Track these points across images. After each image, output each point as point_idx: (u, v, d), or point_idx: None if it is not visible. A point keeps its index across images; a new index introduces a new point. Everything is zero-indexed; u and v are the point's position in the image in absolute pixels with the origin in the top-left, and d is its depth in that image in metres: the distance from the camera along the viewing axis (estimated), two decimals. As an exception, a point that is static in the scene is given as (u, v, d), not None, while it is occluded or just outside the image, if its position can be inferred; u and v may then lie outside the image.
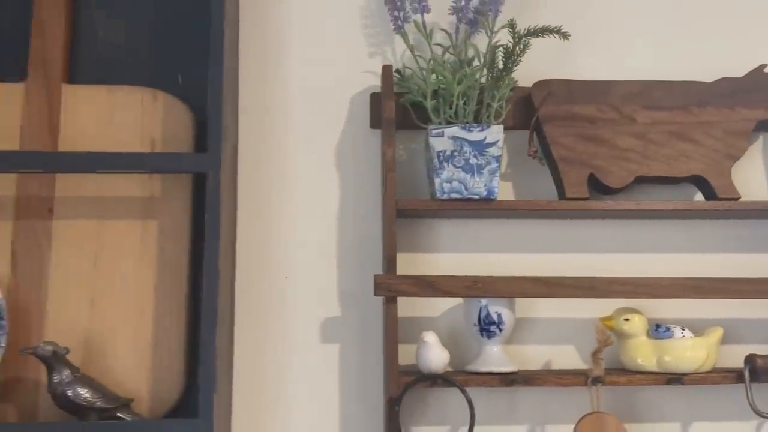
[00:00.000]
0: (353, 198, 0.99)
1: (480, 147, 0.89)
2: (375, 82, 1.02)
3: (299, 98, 1.01)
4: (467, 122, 0.91)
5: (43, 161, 0.85)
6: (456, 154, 0.89)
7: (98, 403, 0.80)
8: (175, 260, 0.91)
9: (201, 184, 0.94)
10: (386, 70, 0.95)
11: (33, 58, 0.93)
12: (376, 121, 1.00)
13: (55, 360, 0.80)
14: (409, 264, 0.97)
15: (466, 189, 0.89)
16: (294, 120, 1.00)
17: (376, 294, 0.85)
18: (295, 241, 0.97)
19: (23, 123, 0.92)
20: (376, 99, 1.00)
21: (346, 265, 0.97)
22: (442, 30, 0.99)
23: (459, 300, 0.95)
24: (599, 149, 0.96)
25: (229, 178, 0.90)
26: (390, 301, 0.87)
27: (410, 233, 0.98)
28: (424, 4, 0.97)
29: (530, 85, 0.98)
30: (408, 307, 0.95)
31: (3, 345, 0.82)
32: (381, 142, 0.98)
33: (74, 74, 0.96)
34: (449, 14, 0.99)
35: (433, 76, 0.93)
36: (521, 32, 0.91)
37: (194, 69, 0.98)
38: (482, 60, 0.93)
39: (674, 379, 0.90)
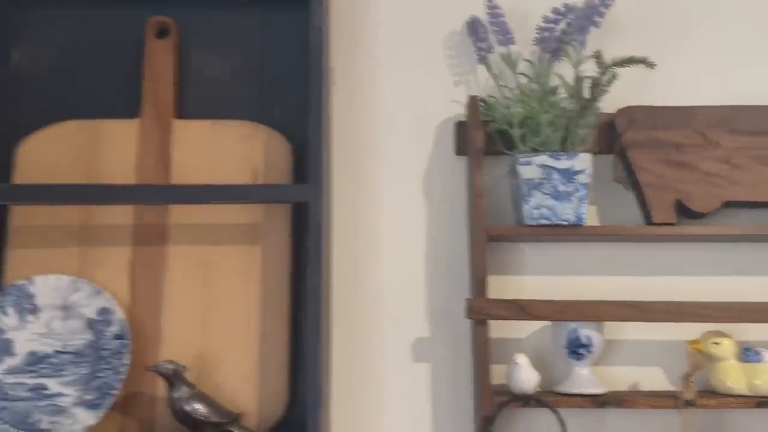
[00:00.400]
0: (440, 222, 1.04)
1: (568, 174, 0.92)
2: (459, 111, 1.06)
3: (387, 126, 1.06)
4: (555, 151, 0.94)
5: (159, 194, 0.92)
6: (544, 181, 0.92)
7: (213, 418, 0.86)
8: (277, 283, 0.97)
9: (300, 210, 1.01)
10: (472, 100, 0.99)
11: (146, 97, 1.01)
12: (461, 149, 1.04)
13: (175, 377, 0.87)
14: (494, 286, 1.00)
15: (555, 215, 0.92)
16: (382, 147, 1.05)
17: (468, 317, 0.89)
18: (386, 263, 1.02)
19: (138, 156, 1.00)
20: (461, 127, 1.05)
21: (435, 287, 1.02)
22: (526, 60, 1.03)
23: (546, 321, 0.98)
24: (685, 174, 0.97)
25: (327, 206, 0.96)
26: (481, 324, 0.90)
27: (496, 256, 1.01)
28: (509, 36, 1.00)
29: (610, 110, 1.01)
30: (496, 328, 0.99)
31: (126, 362, 0.90)
32: (467, 170, 1.02)
33: (182, 110, 1.04)
34: (532, 44, 1.03)
35: (519, 105, 0.97)
36: (607, 63, 0.94)
37: (290, 101, 1.05)
38: (568, 89, 0.96)
39: (764, 402, 0.91)
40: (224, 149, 1.01)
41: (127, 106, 1.02)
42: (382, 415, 0.98)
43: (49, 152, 0.99)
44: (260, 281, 0.97)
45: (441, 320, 1.01)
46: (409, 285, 1.01)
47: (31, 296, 0.93)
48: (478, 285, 0.91)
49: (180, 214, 0.98)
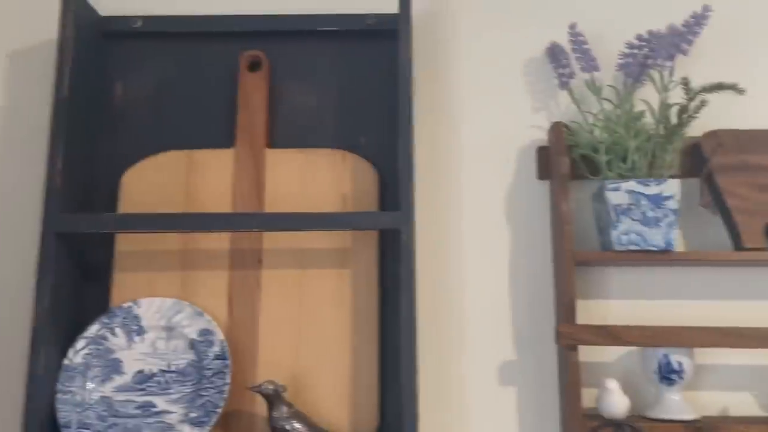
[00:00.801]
0: (523, 246, 1.05)
1: (657, 200, 0.93)
2: (541, 136, 1.08)
3: (468, 152, 1.08)
4: (642, 176, 0.95)
5: (256, 222, 0.97)
6: (633, 207, 0.93)
7: (311, 437, 0.90)
8: (366, 305, 1.00)
9: (387, 235, 1.04)
10: (556, 126, 1.01)
11: (240, 127, 1.07)
12: (543, 173, 1.06)
13: (275, 397, 0.91)
14: (579, 309, 1.01)
15: (645, 241, 0.93)
16: (464, 173, 1.08)
17: (559, 343, 0.91)
18: (470, 286, 1.04)
19: (234, 184, 1.05)
20: (543, 152, 1.07)
21: (519, 311, 1.03)
22: (608, 86, 1.04)
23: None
24: (775, 198, 0.97)
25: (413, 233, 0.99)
26: (571, 349, 0.92)
27: (580, 279, 1.03)
28: (592, 62, 1.02)
29: (695, 133, 1.01)
30: (582, 351, 0.99)
31: (228, 382, 0.95)
32: (550, 194, 1.04)
33: (273, 139, 1.08)
34: (615, 71, 1.04)
35: (604, 130, 0.98)
36: (695, 89, 0.94)
37: (375, 129, 1.08)
38: (654, 115, 0.97)
39: None
40: (314, 176, 1.05)
41: (222, 136, 1.07)
42: (469, 436, 1.00)
43: (150, 181, 1.05)
44: (350, 304, 1.00)
45: (526, 344, 1.02)
46: (493, 309, 1.03)
47: (137, 318, 0.99)
48: (567, 310, 0.93)
49: (273, 239, 1.03)
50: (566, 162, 0.98)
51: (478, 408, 1.00)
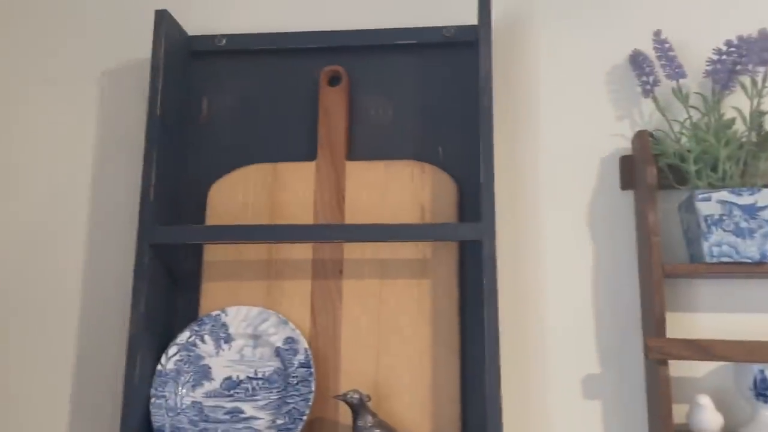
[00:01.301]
0: (606, 257, 1.03)
1: (751, 211, 0.89)
2: (623, 145, 1.06)
3: (549, 162, 1.07)
4: (734, 185, 0.92)
5: (336, 233, 0.99)
6: (725, 218, 0.90)
7: (395, 446, 0.91)
8: (447, 316, 1.01)
9: (466, 247, 1.04)
10: (641, 135, 0.99)
11: (321, 140, 1.09)
12: (627, 183, 1.04)
13: (360, 406, 0.92)
14: (668, 323, 0.98)
15: (738, 253, 0.89)
16: (544, 183, 1.07)
17: (649, 357, 0.89)
18: (552, 299, 1.03)
19: (316, 196, 1.08)
20: (626, 162, 1.04)
21: (603, 323, 1.01)
22: (696, 93, 1.01)
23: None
24: None
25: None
26: (661, 363, 0.89)
27: (669, 292, 1.00)
28: (679, 70, 0.99)
29: (787, 140, 0.97)
30: (670, 367, 0.97)
31: (313, 389, 0.97)
32: (635, 205, 1.02)
33: (352, 151, 1.11)
34: (702, 78, 1.01)
35: (693, 139, 0.95)
36: (791, 95, 0.91)
37: (453, 140, 1.09)
38: (747, 123, 0.94)
39: None
40: (393, 188, 1.06)
41: (304, 149, 1.10)
42: (552, 450, 0.99)
43: (236, 194, 1.09)
44: (430, 314, 1.01)
45: (611, 357, 1.00)
46: (576, 321, 1.02)
47: (225, 325, 1.02)
48: (657, 323, 0.91)
49: (354, 249, 1.04)
50: (652, 171, 0.96)
51: (562, 422, 0.99)
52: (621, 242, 1.04)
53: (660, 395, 0.88)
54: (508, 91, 1.10)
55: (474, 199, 1.05)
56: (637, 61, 1.05)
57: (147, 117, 1.03)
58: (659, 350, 0.88)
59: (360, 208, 1.06)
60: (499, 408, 0.88)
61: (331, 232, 0.99)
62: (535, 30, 1.12)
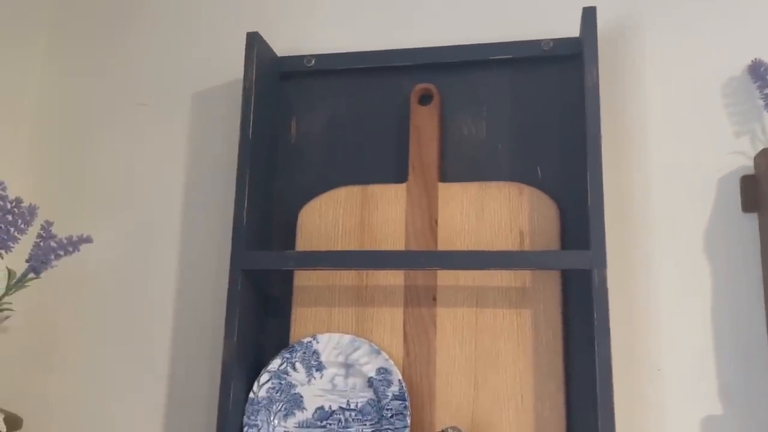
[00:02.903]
0: (727, 286, 0.94)
1: None
2: (744, 163, 0.97)
3: (659, 184, 0.99)
4: None
5: (431, 260, 0.95)
6: None
7: (498, 489, 0.86)
8: (550, 348, 0.94)
9: (569, 275, 0.97)
10: (767, 153, 0.90)
11: (412, 161, 1.05)
12: (750, 205, 0.95)
13: (459, 444, 0.88)
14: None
15: None
16: (655, 207, 0.99)
17: (783, 400, 0.80)
18: (666, 330, 0.95)
19: (407, 220, 1.04)
20: (749, 181, 0.95)
21: (724, 359, 0.92)
22: (829, 105, 0.92)
23: None
24: None
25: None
26: (797, 408, 0.81)
27: (799, 326, 0.91)
28: (811, 80, 0.91)
29: None
30: (805, 410, 0.88)
31: (408, 424, 0.93)
32: (760, 229, 0.93)
33: (444, 172, 1.06)
34: (837, 87, 0.92)
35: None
36: None
37: (551, 161, 1.03)
38: None
39: None
40: (489, 211, 1.01)
41: (395, 170, 1.07)
42: (668, 498, 0.91)
43: (325, 217, 1.06)
44: (532, 346, 0.95)
45: (734, 397, 0.91)
46: (694, 357, 0.93)
47: (316, 353, 1.00)
48: (792, 364, 0.82)
49: (448, 276, 1.00)
50: (783, 194, 0.87)
51: (679, 467, 0.91)
52: (744, 270, 0.94)
53: (798, 445, 0.79)
54: (612, 107, 1.03)
55: (577, 224, 0.98)
56: (757, 71, 0.96)
57: (240, 140, 1.03)
58: (797, 395, 0.79)
59: (454, 232, 1.02)
60: (613, 453, 0.82)
61: (425, 260, 0.95)
62: (640, 41, 1.04)
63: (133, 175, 1.18)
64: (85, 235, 0.93)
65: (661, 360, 0.94)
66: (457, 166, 1.06)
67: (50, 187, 1.19)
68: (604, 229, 0.88)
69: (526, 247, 0.98)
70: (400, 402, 0.94)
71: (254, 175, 1.04)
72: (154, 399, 1.07)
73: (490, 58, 1.06)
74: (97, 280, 1.14)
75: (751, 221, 0.95)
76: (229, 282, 0.98)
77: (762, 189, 0.91)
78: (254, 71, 1.05)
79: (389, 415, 0.94)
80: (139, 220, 1.15)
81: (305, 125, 1.13)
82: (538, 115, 1.05)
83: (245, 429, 0.96)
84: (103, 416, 1.09)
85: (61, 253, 0.92)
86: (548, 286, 0.97)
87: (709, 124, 0.99)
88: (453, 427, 0.88)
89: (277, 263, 0.99)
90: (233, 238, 0.99)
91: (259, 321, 1.04)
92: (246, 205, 1.00)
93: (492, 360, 0.96)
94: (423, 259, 0.94)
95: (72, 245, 0.92)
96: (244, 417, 0.97)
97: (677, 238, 0.97)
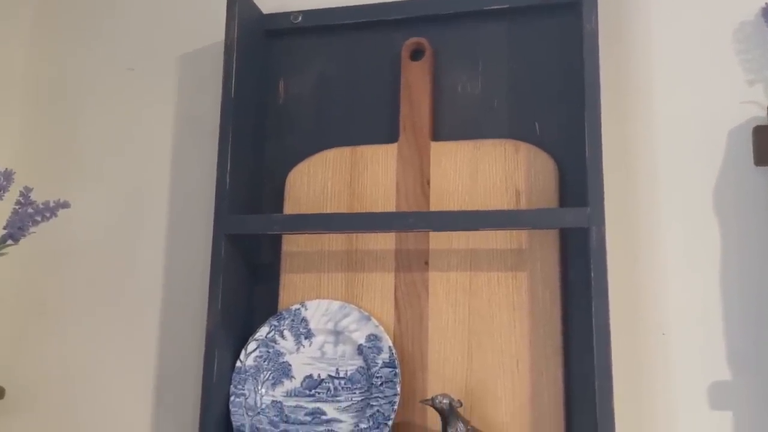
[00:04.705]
0: (737, 244, 0.88)
1: None
2: (757, 113, 0.90)
3: (664, 137, 0.93)
4: None
5: (421, 222, 0.90)
6: None
7: (491, 458, 0.82)
8: (546, 312, 0.90)
9: (567, 235, 0.93)
10: (781, 100, 0.84)
11: (403, 120, 1.00)
12: (763, 158, 0.88)
13: (450, 412, 0.83)
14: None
15: None
16: (661, 162, 0.93)
17: (795, 363, 0.75)
18: (670, 293, 0.89)
19: (398, 181, 0.99)
20: (762, 133, 0.88)
21: (734, 323, 0.87)
22: None
23: None
24: None
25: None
26: (810, 372, 0.75)
27: (815, 286, 0.85)
28: (830, 20, 0.83)
29: None
30: (820, 374, 0.82)
31: (399, 392, 0.89)
32: (774, 183, 0.87)
33: (437, 131, 1.01)
34: None
35: None
36: None
37: (550, 116, 0.97)
38: None
39: None
40: (483, 170, 0.96)
41: (386, 130, 1.01)
42: (673, 468, 0.86)
43: (314, 180, 1.02)
44: (528, 310, 0.90)
45: (744, 361, 0.86)
46: (700, 320, 0.88)
47: (305, 320, 0.96)
48: (805, 325, 0.76)
49: (440, 239, 0.95)
50: (797, 143, 0.80)
51: (684, 434, 0.86)
52: (756, 226, 0.88)
53: (811, 411, 0.74)
54: (615, 56, 0.96)
55: (577, 182, 0.92)
56: (773, 13, 0.89)
57: (222, 100, 0.98)
58: (811, 357, 0.74)
59: (446, 193, 0.97)
60: (611, 417, 0.77)
61: (414, 220, 0.90)
62: (646, -15, 0.98)
63: (121, 140, 1.14)
64: (62, 200, 0.90)
65: (666, 324, 0.89)
66: (451, 125, 1.01)
67: (38, 154, 1.17)
68: (602, 184, 0.83)
69: (523, 206, 0.92)
70: (390, 369, 0.90)
71: (239, 136, 0.99)
72: (142, 368, 1.05)
73: (485, 8, 1.00)
74: (84, 247, 1.11)
75: (764, 175, 0.89)
76: (213, 247, 0.94)
77: (776, 140, 0.85)
78: (236, 28, 1.00)
79: (379, 382, 0.90)
80: (128, 186, 1.12)
81: (294, 86, 1.08)
82: (537, 68, 0.98)
83: (232, 398, 0.93)
84: (91, 386, 1.07)
85: (39, 218, 0.89)
86: (546, 248, 0.92)
87: (720, 72, 0.93)
88: (443, 395, 0.83)
89: (262, 227, 0.95)
90: (216, 202, 0.95)
91: (246, 288, 1.01)
92: (229, 167, 0.96)
93: (486, 325, 0.91)
94: (412, 219, 0.90)
95: (49, 211, 0.89)
96: (231, 386, 0.94)
97: (685, 195, 0.91)
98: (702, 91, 0.93)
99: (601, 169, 0.83)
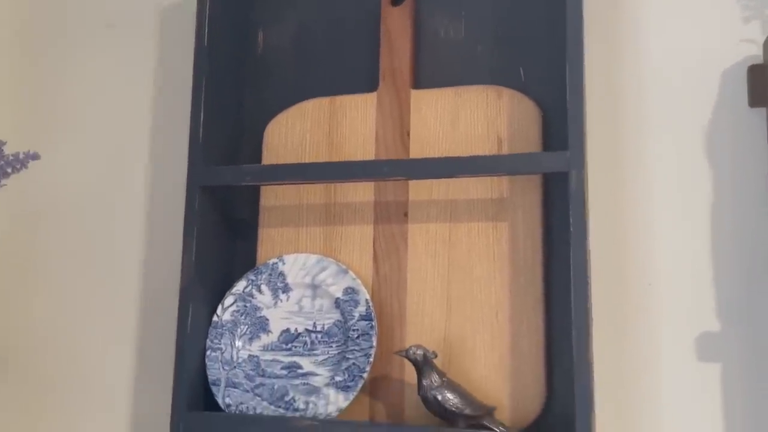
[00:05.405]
0: (728, 191, 0.84)
1: None
2: (753, 52, 0.85)
3: (654, 78, 0.88)
4: None
5: (396, 169, 0.88)
6: None
7: (467, 410, 0.79)
8: (528, 262, 0.86)
9: (550, 182, 0.89)
10: (777, 34, 0.79)
11: (383, 68, 0.96)
12: (758, 99, 0.83)
13: (424, 363, 0.81)
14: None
15: None
16: (650, 104, 0.88)
17: (783, 310, 0.71)
18: (658, 241, 0.85)
19: (377, 131, 0.96)
20: (757, 72, 0.83)
21: (723, 271, 0.83)
22: None
23: None
24: None
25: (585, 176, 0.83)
26: (800, 319, 0.71)
27: (810, 233, 0.80)
28: (830, -55, 0.78)
29: None
30: (814, 324, 0.78)
31: (374, 344, 0.87)
32: (768, 124, 0.82)
33: (419, 79, 0.97)
34: None
35: None
36: None
37: (536, 61, 0.93)
38: None
39: None
40: (465, 117, 0.92)
41: (367, 79, 0.98)
42: (657, 423, 0.82)
43: (292, 132, 0.99)
44: (509, 261, 0.87)
45: (734, 312, 0.82)
46: (689, 269, 0.84)
47: (282, 274, 0.94)
48: (795, 269, 0.72)
49: (419, 189, 0.92)
50: (792, 79, 0.75)
51: (672, 389, 0.82)
52: (749, 170, 0.83)
53: (800, 359, 0.70)
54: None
55: (563, 129, 0.86)
56: (772, -56, 0.84)
57: (195, 50, 0.96)
58: (800, 302, 0.70)
59: (426, 143, 0.93)
60: (588, 368, 0.74)
61: (389, 168, 0.87)
62: None
63: (102, 96, 1.12)
64: (31, 152, 0.88)
65: (653, 273, 0.85)
66: (433, 72, 0.97)
67: (17, 111, 1.15)
68: (583, 126, 0.78)
69: (504, 154, 0.89)
70: (367, 322, 0.88)
71: (214, 87, 0.96)
72: (124, 321, 1.04)
73: (468, -52, 0.96)
74: (64, 204, 1.10)
75: (759, 117, 0.84)
76: (186, 199, 0.92)
77: (772, 78, 0.80)
78: (210, -25, 0.97)
79: (355, 335, 0.88)
80: (108, 142, 1.10)
81: (273, 36, 1.05)
82: (522, 11, 0.94)
83: (208, 353, 0.92)
84: (74, 339, 1.06)
85: (9, 170, 0.87)
86: (527, 197, 0.88)
87: (714, 8, 0.87)
88: (417, 346, 0.81)
89: (233, 178, 0.92)
90: (189, 153, 0.93)
91: (224, 243, 0.99)
92: (203, 118, 0.93)
93: (466, 276, 0.88)
94: (386, 168, 0.87)
95: (19, 162, 0.88)
96: (207, 340, 0.93)
97: (675, 139, 0.87)
98: (695, 28, 0.88)
99: (582, 110, 0.79)
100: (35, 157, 0.88)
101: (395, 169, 0.87)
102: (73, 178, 1.10)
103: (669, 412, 0.82)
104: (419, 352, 0.81)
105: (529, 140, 0.89)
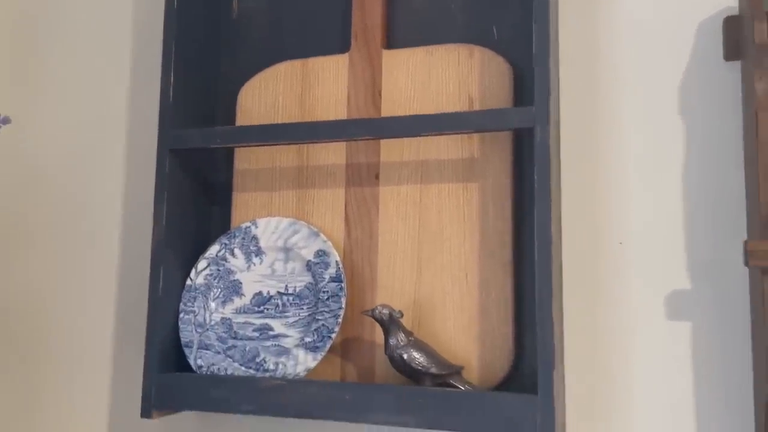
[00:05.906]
0: (701, 146, 0.82)
1: None
2: (728, 4, 0.83)
3: (629, 33, 0.86)
4: None
5: (365, 128, 0.86)
6: None
7: (432, 369, 0.79)
8: (497, 223, 0.85)
9: (521, 143, 0.88)
10: (751, -17, 0.76)
11: (355, 29, 0.95)
12: (733, 52, 0.81)
13: (390, 323, 0.81)
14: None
15: None
16: (624, 59, 0.86)
17: (749, 264, 0.69)
18: (629, 199, 0.84)
19: (349, 92, 0.95)
20: (732, 24, 0.81)
21: (696, 228, 0.81)
22: None
23: None
24: None
25: (554, 133, 0.81)
26: (765, 273, 0.70)
27: (784, 188, 0.78)
28: None
29: None
30: (785, 281, 0.76)
31: (343, 305, 0.87)
32: (743, 79, 0.79)
33: (392, 39, 0.95)
34: None
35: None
36: None
37: (510, 19, 0.91)
38: None
39: None
40: (436, 77, 0.91)
41: (339, 41, 0.97)
42: (628, 380, 0.82)
43: (265, 95, 0.98)
44: (479, 222, 0.86)
45: (704, 269, 0.81)
46: (660, 225, 0.83)
47: (255, 238, 0.94)
48: (763, 224, 0.70)
49: (391, 151, 0.91)
50: (763, 29, 0.73)
51: (641, 348, 0.81)
52: (723, 126, 0.82)
53: (763, 313, 0.69)
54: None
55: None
56: None
57: (164, 12, 0.95)
58: (763, 256, 0.68)
59: (398, 103, 0.92)
60: (550, 327, 0.73)
61: (356, 128, 0.86)
62: None
63: (78, 61, 1.12)
64: (2, 116, 0.89)
65: (623, 232, 0.84)
66: (406, 31, 0.95)
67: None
68: (548, 80, 0.77)
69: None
70: (337, 284, 0.88)
71: (185, 50, 0.96)
72: (102, 286, 1.05)
73: None
74: (43, 170, 1.10)
75: (734, 71, 0.81)
76: (157, 163, 0.92)
77: (745, 28, 0.77)
78: (178, -63, 0.96)
79: (325, 297, 0.88)
80: (86, 107, 1.10)
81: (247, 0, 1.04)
82: (495, -33, 0.92)
83: (181, 315, 0.92)
84: (52, 303, 1.07)
85: (-20, 135, 0.88)
86: (497, 157, 0.87)
87: (689, -40, 0.85)
88: (383, 306, 0.81)
89: (202, 140, 0.92)
90: (160, 116, 0.93)
91: (199, 208, 0.98)
92: (173, 80, 0.93)
93: (436, 239, 0.87)
94: (354, 127, 0.86)
95: (-10, 127, 0.88)
96: (181, 304, 0.93)
97: (648, 94, 0.85)
98: (669, -19, 0.85)
99: (548, 64, 0.77)
100: (6, 121, 0.89)
101: (363, 128, 0.86)
102: (50, 142, 1.11)
103: (640, 370, 0.81)
104: (385, 311, 0.81)
105: (500, 99, 0.88)
